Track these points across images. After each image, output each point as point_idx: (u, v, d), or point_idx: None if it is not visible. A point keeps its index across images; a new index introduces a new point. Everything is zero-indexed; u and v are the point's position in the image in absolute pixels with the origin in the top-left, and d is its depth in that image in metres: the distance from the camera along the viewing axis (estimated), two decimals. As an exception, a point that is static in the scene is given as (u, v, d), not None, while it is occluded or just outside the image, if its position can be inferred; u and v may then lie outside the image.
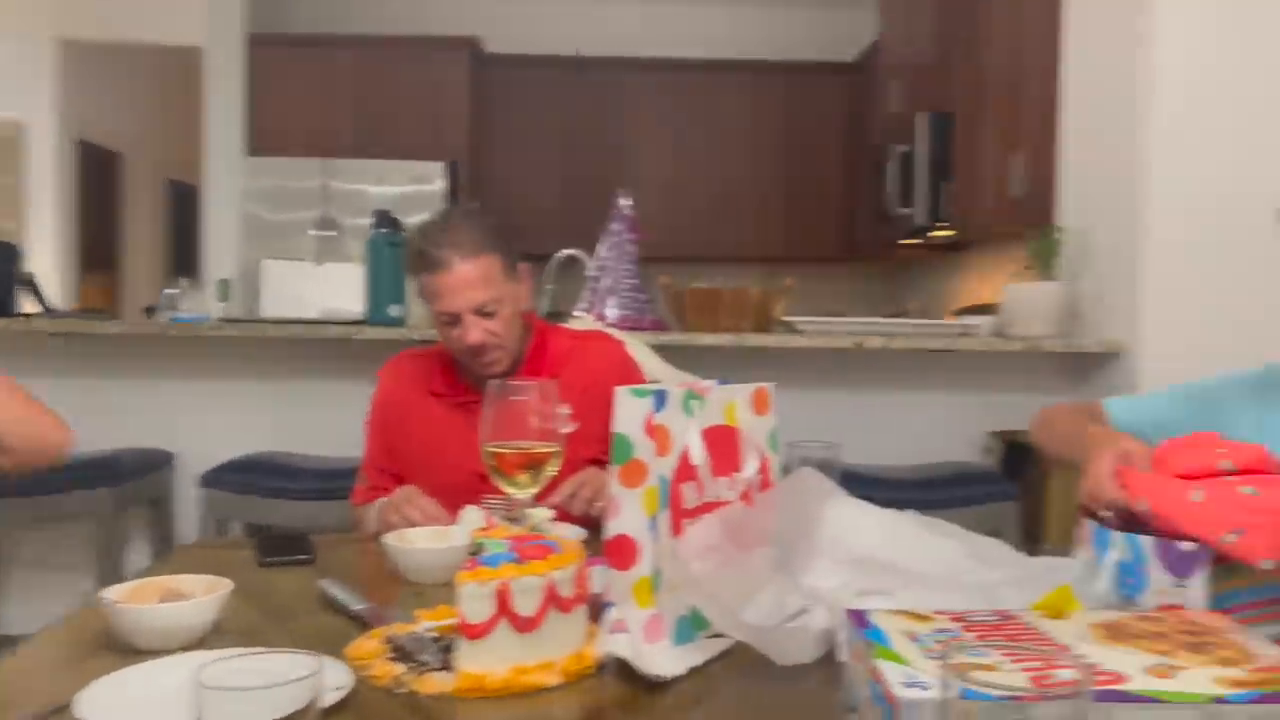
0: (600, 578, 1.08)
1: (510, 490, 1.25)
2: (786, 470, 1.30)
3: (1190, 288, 2.65)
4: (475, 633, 0.94)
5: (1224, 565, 0.99)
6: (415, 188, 5.00)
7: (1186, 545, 1.00)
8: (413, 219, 1.89)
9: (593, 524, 1.45)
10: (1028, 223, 3.35)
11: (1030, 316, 2.88)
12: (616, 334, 2.09)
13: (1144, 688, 0.70)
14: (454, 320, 1.71)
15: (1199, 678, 0.73)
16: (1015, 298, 2.92)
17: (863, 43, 5.69)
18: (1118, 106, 2.78)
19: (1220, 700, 0.69)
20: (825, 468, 1.30)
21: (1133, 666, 0.75)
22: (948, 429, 3.04)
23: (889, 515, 1.19)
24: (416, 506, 1.58)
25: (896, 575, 1.06)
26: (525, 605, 0.96)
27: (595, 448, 1.55)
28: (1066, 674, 0.62)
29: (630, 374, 1.88)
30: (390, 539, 1.38)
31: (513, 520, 1.27)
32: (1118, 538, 1.05)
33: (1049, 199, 3.17)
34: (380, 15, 5.78)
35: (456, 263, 1.69)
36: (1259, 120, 2.67)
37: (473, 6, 5.87)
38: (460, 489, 1.55)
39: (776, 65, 6.00)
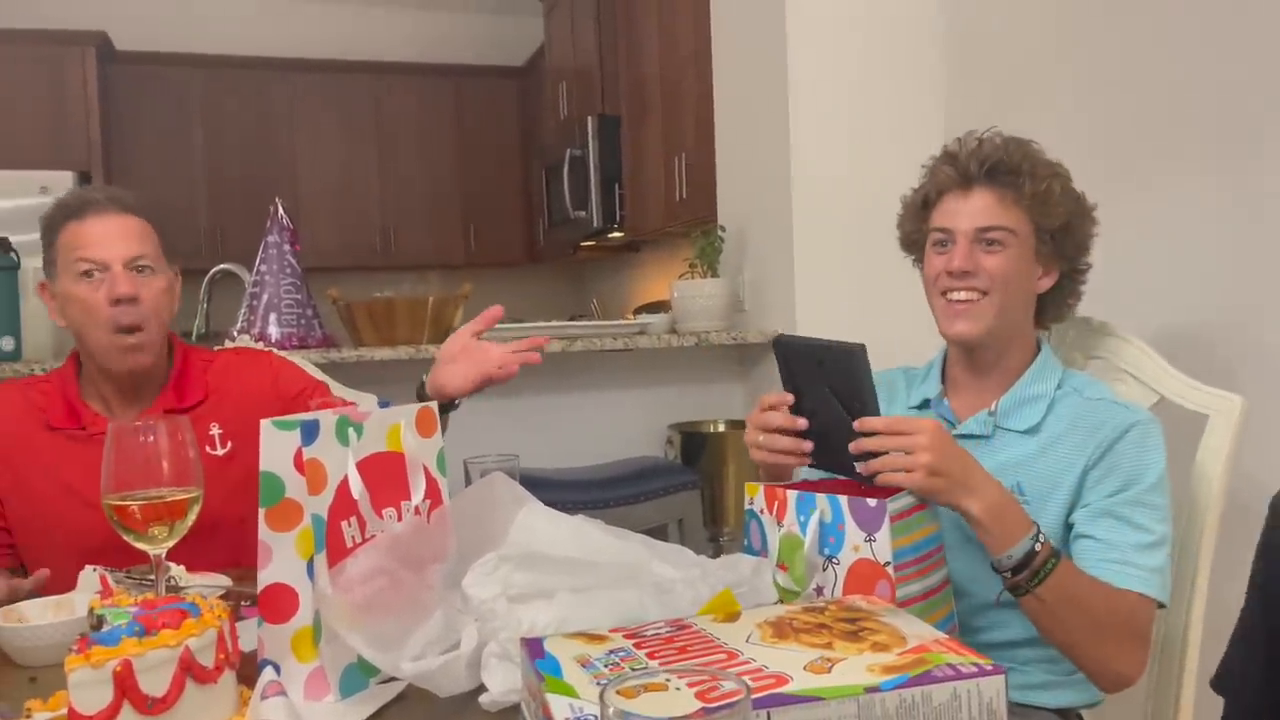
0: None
1: (145, 547, 1.10)
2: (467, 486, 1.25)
3: (836, 279, 2.86)
4: (91, 725, 0.80)
5: (898, 522, 1.09)
6: (40, 200, 4.41)
7: (872, 502, 1.09)
8: (36, 237, 1.60)
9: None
10: (692, 223, 3.50)
11: (698, 312, 3.00)
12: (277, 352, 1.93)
13: (803, 687, 0.71)
14: (99, 271, 1.49)
15: (854, 668, 0.75)
16: (684, 295, 3.04)
17: (531, 47, 5.73)
18: (763, 108, 2.95)
19: (873, 690, 0.71)
20: (504, 479, 1.26)
21: (794, 665, 0.76)
22: (631, 425, 3.10)
23: (577, 520, 1.17)
24: None
25: (568, 573, 1.02)
26: (154, 684, 0.83)
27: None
28: (730, 686, 0.61)
29: (290, 376, 1.74)
30: None
31: (142, 582, 1.12)
32: (821, 501, 1.14)
33: (711, 199, 3.32)
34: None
35: (114, 211, 1.52)
36: (894, 115, 2.85)
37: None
38: (99, 537, 1.27)
39: (445, 68, 5.90)
